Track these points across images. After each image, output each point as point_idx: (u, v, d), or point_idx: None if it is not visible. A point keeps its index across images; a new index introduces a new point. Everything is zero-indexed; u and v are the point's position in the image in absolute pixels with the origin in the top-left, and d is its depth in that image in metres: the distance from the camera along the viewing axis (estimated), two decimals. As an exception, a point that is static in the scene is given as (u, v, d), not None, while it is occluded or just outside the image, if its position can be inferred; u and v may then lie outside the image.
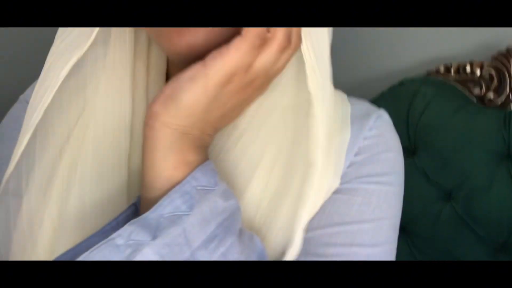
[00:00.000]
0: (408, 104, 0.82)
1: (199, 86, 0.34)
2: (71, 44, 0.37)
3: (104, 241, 0.31)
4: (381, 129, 0.46)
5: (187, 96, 0.34)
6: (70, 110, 0.42)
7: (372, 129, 0.45)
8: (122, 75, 0.43)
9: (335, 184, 0.42)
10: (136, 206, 0.38)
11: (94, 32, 0.36)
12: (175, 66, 0.45)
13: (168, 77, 0.47)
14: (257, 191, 0.40)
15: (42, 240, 0.40)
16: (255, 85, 0.38)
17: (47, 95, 0.37)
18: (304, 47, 0.36)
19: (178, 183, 0.34)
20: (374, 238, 0.41)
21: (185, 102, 0.34)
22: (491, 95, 0.78)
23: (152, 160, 0.35)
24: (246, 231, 0.37)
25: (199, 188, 0.34)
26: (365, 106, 0.48)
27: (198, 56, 0.36)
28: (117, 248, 0.30)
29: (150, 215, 0.32)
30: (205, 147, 0.38)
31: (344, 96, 0.48)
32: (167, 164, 0.35)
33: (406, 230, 0.83)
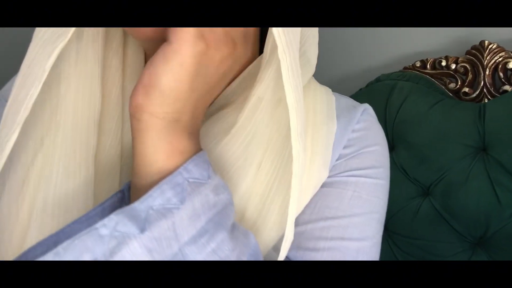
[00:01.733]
0: (385, 99, 0.82)
1: (175, 65, 0.31)
2: (51, 37, 0.36)
3: (87, 230, 0.28)
4: (368, 122, 0.46)
5: (167, 79, 0.31)
6: (45, 108, 0.41)
7: (359, 122, 0.45)
8: (94, 72, 0.42)
9: (324, 175, 0.42)
10: (124, 193, 0.36)
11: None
12: None
13: None
14: (249, 185, 0.39)
15: (16, 232, 0.39)
16: (238, 49, 0.35)
17: (35, 88, 0.35)
18: (279, 42, 0.33)
19: (170, 173, 0.32)
20: (363, 232, 0.42)
21: (167, 86, 0.32)
22: (466, 89, 0.78)
23: (143, 150, 0.33)
24: (240, 227, 0.36)
25: (191, 180, 0.32)
26: (349, 100, 0.49)
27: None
28: (100, 239, 0.28)
29: (139, 206, 0.30)
30: (196, 134, 0.36)
31: (327, 89, 0.48)
32: (158, 155, 0.33)
33: (386, 227, 0.82)
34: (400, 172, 0.80)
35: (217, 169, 0.39)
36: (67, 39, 0.34)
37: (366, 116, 0.47)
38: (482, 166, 0.74)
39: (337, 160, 0.43)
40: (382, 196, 0.45)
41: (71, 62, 0.41)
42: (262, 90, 0.40)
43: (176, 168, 0.32)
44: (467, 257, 0.76)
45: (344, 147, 0.44)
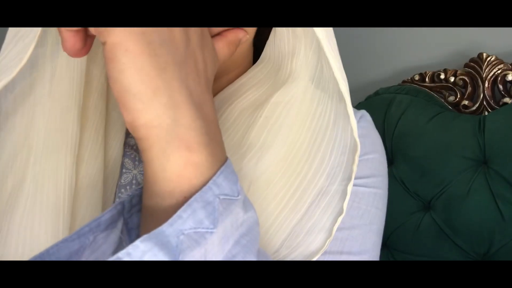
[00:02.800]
0: (383, 113, 0.81)
1: (120, 61, 0.26)
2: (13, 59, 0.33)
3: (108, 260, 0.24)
4: (367, 129, 0.45)
5: (126, 78, 0.25)
6: (15, 125, 0.39)
7: (358, 129, 0.44)
8: (71, 90, 0.39)
9: (325, 183, 0.39)
10: (124, 206, 0.31)
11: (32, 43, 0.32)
12: None
13: None
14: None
15: None
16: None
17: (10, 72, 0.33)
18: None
19: (191, 185, 0.27)
20: (362, 245, 0.40)
21: (131, 85, 0.26)
22: (465, 101, 0.77)
23: (152, 168, 0.28)
24: (264, 252, 0.33)
25: (222, 197, 0.28)
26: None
27: None
28: None
29: (168, 230, 0.25)
30: (214, 135, 0.30)
31: None
32: (167, 173, 0.27)
33: (386, 244, 0.80)
34: (400, 186, 0.79)
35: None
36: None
37: (364, 123, 0.46)
38: (484, 179, 0.73)
39: (336, 167, 0.42)
40: (381, 206, 0.43)
41: (46, 80, 0.39)
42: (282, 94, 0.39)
43: (203, 184, 0.27)
44: (471, 275, 0.74)
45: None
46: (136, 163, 0.42)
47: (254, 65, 0.43)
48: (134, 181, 0.41)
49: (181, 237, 0.25)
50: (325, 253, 0.38)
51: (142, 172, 0.41)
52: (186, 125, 0.27)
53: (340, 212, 0.36)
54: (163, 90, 0.26)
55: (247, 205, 0.30)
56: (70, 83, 0.39)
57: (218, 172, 0.28)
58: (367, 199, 0.41)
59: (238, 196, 0.29)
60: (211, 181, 0.27)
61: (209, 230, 0.26)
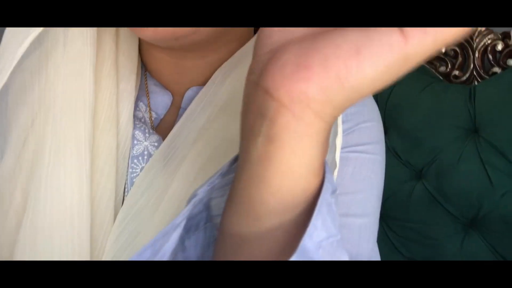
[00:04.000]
0: (376, 85, 0.82)
1: (393, 58, 0.21)
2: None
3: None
4: (364, 98, 0.47)
5: (372, 68, 0.21)
6: (33, 91, 0.40)
7: None
8: (84, 51, 0.40)
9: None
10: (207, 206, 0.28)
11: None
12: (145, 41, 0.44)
13: (140, 49, 0.46)
14: None
15: (5, 233, 0.39)
16: None
17: (2, 76, 0.35)
18: None
19: (314, 193, 0.24)
20: (365, 209, 0.41)
21: (368, 77, 0.21)
22: (456, 71, 0.79)
23: (289, 160, 0.23)
24: None
25: (333, 196, 0.25)
26: None
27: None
28: None
29: (308, 243, 0.22)
30: None
31: None
32: (310, 168, 0.23)
33: (381, 213, 0.83)
34: (392, 156, 0.81)
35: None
36: (39, 30, 0.34)
37: None
38: (474, 148, 0.75)
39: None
40: (380, 172, 0.44)
41: (59, 40, 0.40)
42: None
43: (319, 184, 0.24)
44: (460, 239, 0.77)
45: (343, 122, 0.43)
46: (147, 135, 0.43)
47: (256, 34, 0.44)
48: (145, 152, 0.42)
49: (320, 251, 0.23)
50: None
51: (153, 144, 0.42)
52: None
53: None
54: None
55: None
56: (83, 45, 0.40)
57: (326, 169, 0.25)
58: (367, 165, 0.43)
59: (336, 189, 0.26)
60: (327, 183, 0.24)
61: (336, 238, 0.24)
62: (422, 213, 0.80)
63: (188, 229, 0.26)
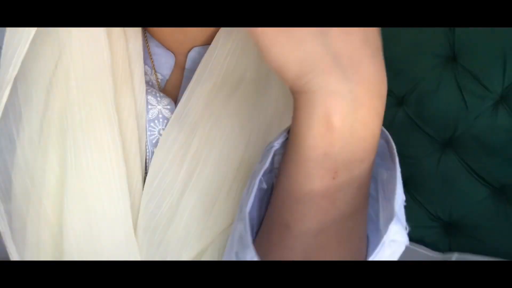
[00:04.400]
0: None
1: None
2: None
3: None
4: None
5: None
6: (47, 55, 0.40)
7: None
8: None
9: None
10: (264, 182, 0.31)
11: None
12: None
13: None
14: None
15: (48, 193, 0.39)
16: None
17: (21, 47, 0.35)
18: None
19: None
20: None
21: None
22: (437, 0, 0.80)
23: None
24: None
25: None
26: None
27: None
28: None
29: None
30: None
31: None
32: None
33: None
34: (376, 85, 0.85)
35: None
36: None
37: None
38: (452, 75, 0.80)
39: None
40: None
41: None
42: (241, 70, 0.42)
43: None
44: (437, 157, 0.85)
45: None
46: (158, 99, 0.44)
47: None
48: (160, 116, 0.43)
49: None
50: None
51: (166, 107, 0.43)
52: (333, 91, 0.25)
53: None
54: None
55: None
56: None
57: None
58: None
59: None
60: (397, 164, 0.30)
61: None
62: (404, 136, 0.87)
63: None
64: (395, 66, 0.83)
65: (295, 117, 0.26)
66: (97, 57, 0.40)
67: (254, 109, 0.42)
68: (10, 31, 0.37)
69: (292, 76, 0.24)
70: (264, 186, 0.31)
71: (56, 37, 0.40)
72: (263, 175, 0.30)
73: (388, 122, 0.87)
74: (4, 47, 0.37)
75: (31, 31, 0.35)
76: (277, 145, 0.31)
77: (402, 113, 0.85)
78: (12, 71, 0.35)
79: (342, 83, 0.24)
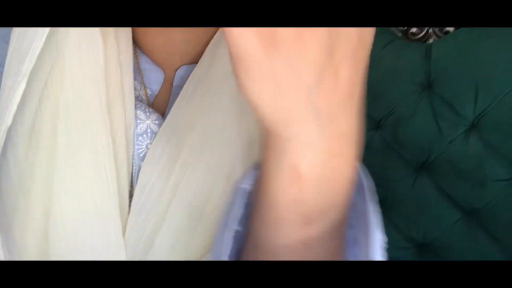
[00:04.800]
0: (340, 41, 0.86)
1: None
2: None
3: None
4: None
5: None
6: (44, 56, 0.40)
7: None
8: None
9: None
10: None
11: None
12: None
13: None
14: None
15: (35, 191, 0.39)
16: None
17: (38, 40, 0.35)
18: None
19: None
20: None
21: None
22: (413, 29, 0.84)
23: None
24: None
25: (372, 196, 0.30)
26: None
27: None
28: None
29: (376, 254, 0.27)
30: None
31: None
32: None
33: (343, 157, 0.91)
34: (355, 108, 0.88)
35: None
36: None
37: None
38: (427, 101, 0.83)
39: None
40: None
41: None
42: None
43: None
44: (413, 180, 0.88)
45: None
46: (147, 113, 0.45)
47: None
48: (148, 130, 0.44)
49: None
50: None
51: (154, 122, 0.44)
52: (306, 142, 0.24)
53: None
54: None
55: None
56: None
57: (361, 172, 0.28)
58: None
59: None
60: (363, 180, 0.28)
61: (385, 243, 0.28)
62: (380, 158, 0.89)
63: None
64: (373, 90, 0.85)
65: (265, 156, 0.26)
66: (94, 61, 0.41)
67: (242, 119, 0.44)
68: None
69: (267, 118, 0.23)
70: (241, 230, 0.30)
71: (54, 39, 0.40)
72: (239, 222, 0.30)
73: (366, 145, 0.89)
74: (14, 40, 0.37)
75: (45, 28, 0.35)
76: (248, 186, 0.30)
77: (379, 136, 0.88)
78: (28, 64, 0.35)
79: (317, 135, 0.23)
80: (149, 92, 0.47)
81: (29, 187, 0.39)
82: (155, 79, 0.48)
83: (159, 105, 0.47)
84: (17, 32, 0.37)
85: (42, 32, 0.35)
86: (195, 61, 0.46)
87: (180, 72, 0.47)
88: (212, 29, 0.46)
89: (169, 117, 0.43)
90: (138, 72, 0.47)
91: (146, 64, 0.48)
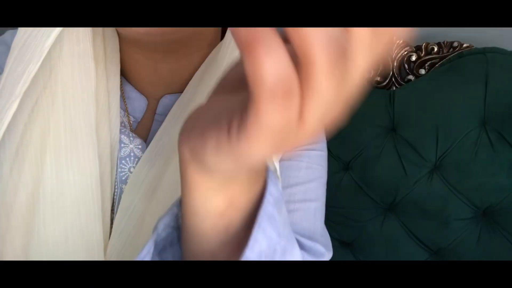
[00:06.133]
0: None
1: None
2: None
3: None
4: None
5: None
6: (38, 78, 0.41)
7: None
8: (84, 44, 0.44)
9: None
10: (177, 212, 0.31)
11: None
12: (127, 42, 0.48)
13: (121, 52, 0.49)
14: None
15: (17, 209, 0.39)
16: None
17: (33, 64, 0.36)
18: None
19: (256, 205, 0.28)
20: (317, 194, 0.50)
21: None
22: (378, 78, 0.90)
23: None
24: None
25: (276, 205, 0.28)
26: None
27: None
28: None
29: (251, 255, 0.25)
30: None
31: None
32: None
33: (313, 198, 0.93)
34: (324, 151, 0.92)
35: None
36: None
37: None
38: (392, 144, 0.87)
39: None
40: (324, 164, 0.54)
41: (61, 34, 0.43)
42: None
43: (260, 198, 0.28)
44: (381, 221, 0.90)
45: None
46: (131, 138, 0.46)
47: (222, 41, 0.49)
48: (132, 154, 0.46)
49: (263, 258, 0.26)
50: (294, 202, 0.47)
51: (137, 147, 0.46)
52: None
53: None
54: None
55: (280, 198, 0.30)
56: (85, 42, 0.44)
57: (269, 181, 0.28)
58: (315, 159, 0.52)
59: (281, 194, 0.29)
60: (267, 192, 0.27)
61: (279, 245, 0.27)
62: (349, 199, 0.92)
63: (163, 248, 0.31)
64: (342, 134, 0.90)
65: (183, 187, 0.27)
66: (86, 84, 0.43)
67: None
68: (18, 48, 0.39)
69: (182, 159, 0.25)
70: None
71: (48, 63, 0.42)
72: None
73: (335, 185, 0.92)
74: (11, 62, 0.39)
75: (43, 51, 0.37)
76: (163, 224, 0.31)
77: (348, 177, 0.91)
78: (22, 86, 0.36)
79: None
80: (132, 119, 0.49)
81: (11, 205, 0.39)
82: (138, 107, 0.50)
83: (141, 131, 0.49)
84: (13, 56, 0.39)
85: (39, 56, 0.37)
86: (179, 90, 0.49)
87: (164, 100, 0.50)
88: (196, 59, 0.49)
89: (153, 142, 0.45)
90: (122, 100, 0.50)
91: (131, 93, 0.50)
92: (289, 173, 0.49)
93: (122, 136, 0.46)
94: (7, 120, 0.36)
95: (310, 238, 0.46)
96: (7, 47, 0.47)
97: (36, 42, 0.37)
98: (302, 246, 0.44)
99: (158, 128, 0.47)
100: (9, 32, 0.51)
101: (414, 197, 0.86)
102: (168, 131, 0.46)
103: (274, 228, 0.27)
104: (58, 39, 0.42)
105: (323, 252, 0.46)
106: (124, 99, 0.50)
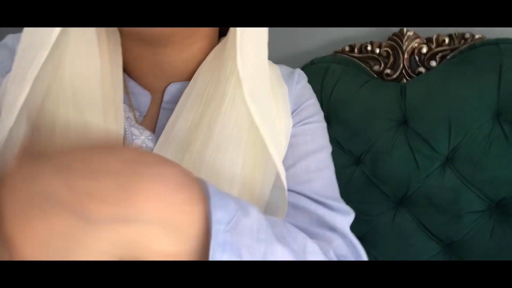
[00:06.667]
0: (321, 81, 0.91)
1: None
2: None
3: None
4: (303, 82, 0.58)
5: None
6: (47, 65, 0.42)
7: (298, 83, 0.57)
8: (89, 36, 0.45)
9: (290, 123, 0.52)
10: None
11: None
12: (127, 37, 0.49)
13: (122, 46, 0.50)
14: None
15: None
16: None
17: (43, 50, 0.37)
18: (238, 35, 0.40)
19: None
20: (327, 163, 0.54)
21: None
22: (388, 70, 0.89)
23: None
24: (276, 221, 0.37)
25: (227, 229, 0.28)
26: (286, 67, 0.60)
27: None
28: None
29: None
30: None
31: (270, 61, 0.57)
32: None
33: (324, 193, 0.93)
34: (335, 145, 0.91)
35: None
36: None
37: (300, 78, 0.59)
38: (404, 137, 0.87)
39: (292, 113, 0.54)
40: (326, 134, 0.57)
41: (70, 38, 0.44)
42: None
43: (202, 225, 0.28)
44: (392, 215, 0.90)
45: (293, 103, 0.54)
46: (141, 130, 0.48)
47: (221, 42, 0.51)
48: (144, 145, 0.47)
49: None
50: (311, 171, 0.51)
51: (148, 138, 0.47)
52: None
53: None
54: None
55: (244, 206, 0.32)
56: (91, 43, 0.45)
57: (213, 208, 0.28)
58: (318, 130, 0.55)
59: (236, 212, 0.30)
60: (212, 222, 0.27)
61: (246, 257, 0.29)
62: (360, 194, 0.92)
63: None
64: (352, 127, 0.89)
65: None
66: (93, 72, 0.44)
67: (249, 140, 0.46)
68: (28, 37, 0.39)
69: None
70: None
71: (56, 48, 0.42)
72: None
73: (346, 180, 0.92)
74: (21, 50, 0.40)
75: (52, 38, 0.37)
76: None
77: (359, 171, 0.91)
78: (33, 71, 0.37)
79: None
80: (137, 114, 0.50)
81: None
82: (143, 102, 0.51)
83: (148, 124, 0.50)
84: (23, 44, 0.39)
85: (48, 43, 0.37)
86: (184, 79, 0.50)
87: (170, 89, 0.50)
88: (196, 51, 0.50)
89: (165, 133, 0.46)
90: (126, 96, 0.50)
91: (134, 88, 0.51)
92: (298, 148, 0.52)
93: (132, 129, 0.47)
94: (20, 103, 0.37)
95: (335, 200, 0.51)
96: (9, 50, 0.48)
97: (43, 31, 0.38)
98: (332, 208, 0.49)
99: (166, 117, 0.48)
100: (9, 36, 0.52)
101: (426, 190, 0.86)
102: (178, 121, 0.46)
103: (233, 252, 0.28)
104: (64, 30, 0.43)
105: (349, 210, 0.51)
106: (128, 94, 0.51)
